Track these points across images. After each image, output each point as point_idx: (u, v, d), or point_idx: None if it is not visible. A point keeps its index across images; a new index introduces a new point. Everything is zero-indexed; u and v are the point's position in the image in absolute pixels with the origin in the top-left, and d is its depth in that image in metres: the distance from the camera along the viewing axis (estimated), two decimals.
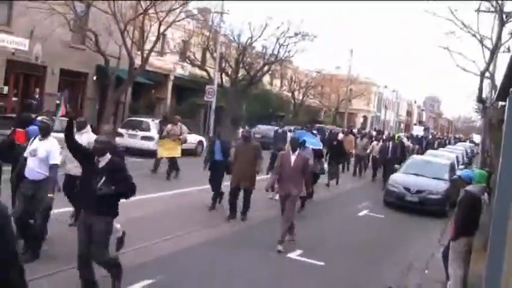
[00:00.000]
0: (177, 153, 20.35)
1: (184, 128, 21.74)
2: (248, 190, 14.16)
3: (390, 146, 25.48)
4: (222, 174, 15.39)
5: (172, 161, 20.24)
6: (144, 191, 15.13)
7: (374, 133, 37.87)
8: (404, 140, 37.00)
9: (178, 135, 20.67)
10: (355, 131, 46.55)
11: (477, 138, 71.49)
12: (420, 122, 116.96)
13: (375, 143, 28.62)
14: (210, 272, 9.74)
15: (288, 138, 17.51)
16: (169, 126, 21.00)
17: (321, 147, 17.99)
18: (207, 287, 9.15)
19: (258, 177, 14.49)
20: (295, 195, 11.90)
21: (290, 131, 25.20)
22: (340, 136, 28.14)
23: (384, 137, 31.04)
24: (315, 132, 23.64)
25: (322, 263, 11.01)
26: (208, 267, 9.97)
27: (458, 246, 9.24)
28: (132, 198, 7.87)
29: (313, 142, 17.09)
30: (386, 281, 10.52)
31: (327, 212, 17.71)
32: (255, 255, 11.06)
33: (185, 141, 21.70)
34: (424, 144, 45.27)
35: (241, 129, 23.87)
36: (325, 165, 20.57)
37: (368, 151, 28.15)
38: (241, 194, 14.29)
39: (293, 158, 11.82)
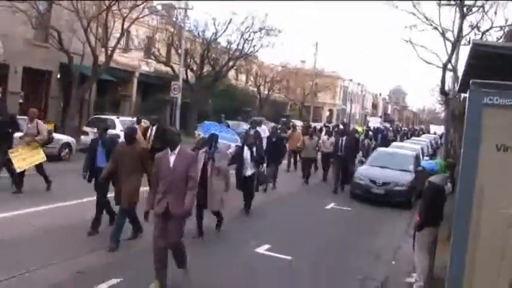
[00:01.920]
0: (40, 157, 15.61)
1: (42, 124, 16.08)
2: (124, 209, 10.52)
3: (343, 141, 21.68)
4: (105, 187, 11.53)
5: (40, 169, 15.78)
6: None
7: (341, 126, 36.35)
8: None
9: (35, 136, 15.45)
10: (319, 125, 45.33)
11: (436, 128, 71.61)
12: (385, 115, 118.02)
13: (325, 137, 24.51)
14: None
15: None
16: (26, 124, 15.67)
17: (238, 143, 14.51)
18: None
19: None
20: (178, 214, 8.42)
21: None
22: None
23: (336, 130, 27.79)
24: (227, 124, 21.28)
25: (290, 257, 11.02)
26: None
27: (424, 236, 9.37)
28: None
29: (228, 137, 13.97)
30: (355, 273, 10.62)
31: (293, 206, 17.80)
32: (222, 253, 11.07)
33: (49, 141, 16.71)
34: (379, 139, 36.00)
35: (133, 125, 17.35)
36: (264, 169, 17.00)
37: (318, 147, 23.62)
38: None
39: (172, 158, 8.48)
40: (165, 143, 8.93)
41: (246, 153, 14.61)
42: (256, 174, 15.07)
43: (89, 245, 10.59)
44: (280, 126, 30.27)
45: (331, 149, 22.44)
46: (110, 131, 17.73)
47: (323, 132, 28.92)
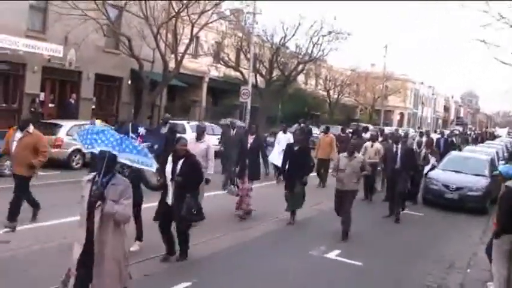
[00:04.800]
0: None
1: None
2: None
3: (399, 150, 16.29)
4: None
5: None
6: None
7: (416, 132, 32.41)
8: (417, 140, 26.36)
9: None
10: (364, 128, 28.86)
11: (502, 131, 69.39)
12: (458, 118, 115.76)
13: (367, 143, 19.23)
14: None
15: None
16: None
17: (153, 169, 7.32)
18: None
19: None
20: None
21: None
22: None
23: (388, 136, 22.19)
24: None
25: (360, 263, 10.83)
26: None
27: (502, 244, 8.92)
28: None
29: (135, 160, 7.00)
30: (428, 280, 10.30)
31: (361, 211, 17.01)
32: (292, 255, 10.92)
33: None
34: (441, 147, 26.94)
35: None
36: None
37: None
38: None
39: None
40: None
41: (168, 168, 9.66)
42: (187, 203, 9.37)
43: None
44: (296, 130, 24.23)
45: (376, 158, 18.32)
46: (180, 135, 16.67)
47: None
